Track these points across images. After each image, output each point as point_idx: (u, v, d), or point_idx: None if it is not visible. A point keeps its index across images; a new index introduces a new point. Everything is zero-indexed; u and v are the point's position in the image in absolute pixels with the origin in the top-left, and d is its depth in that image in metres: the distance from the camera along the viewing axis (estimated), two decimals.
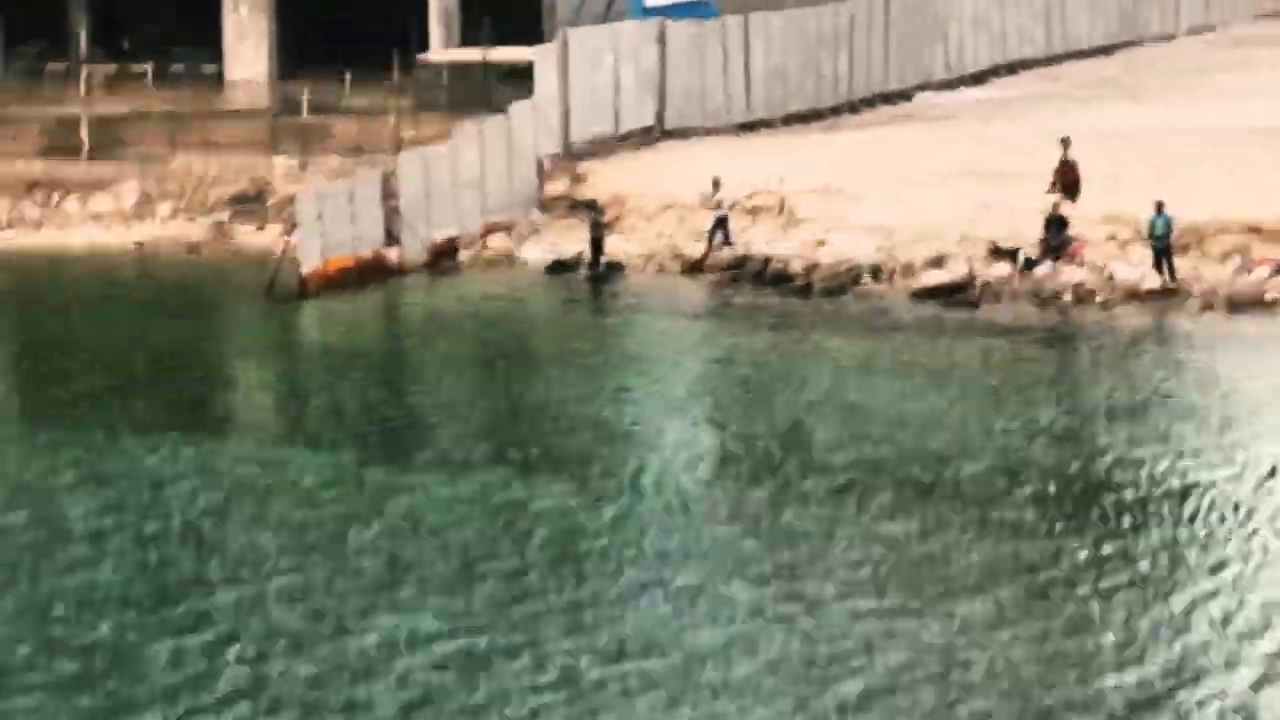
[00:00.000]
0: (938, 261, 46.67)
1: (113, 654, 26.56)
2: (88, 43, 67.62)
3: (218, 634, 27.07)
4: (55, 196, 57.19)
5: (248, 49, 65.62)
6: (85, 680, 25.49)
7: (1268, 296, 46.47)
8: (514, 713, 23.69)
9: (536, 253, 51.11)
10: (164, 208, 56.43)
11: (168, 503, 33.51)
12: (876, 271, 46.85)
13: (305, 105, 59.64)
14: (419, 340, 49.90)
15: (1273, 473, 33.63)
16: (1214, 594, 28.40)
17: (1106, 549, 30.20)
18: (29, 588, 29.67)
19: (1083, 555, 29.60)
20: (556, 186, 53.64)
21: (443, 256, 51.35)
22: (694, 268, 48.16)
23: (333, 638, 27.30)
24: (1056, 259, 45.95)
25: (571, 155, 55.11)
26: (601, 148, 56.29)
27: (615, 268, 48.25)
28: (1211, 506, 32.34)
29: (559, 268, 48.92)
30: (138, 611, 28.09)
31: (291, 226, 50.84)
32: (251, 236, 54.61)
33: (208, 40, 65.88)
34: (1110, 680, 25.00)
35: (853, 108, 63.84)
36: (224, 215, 56.02)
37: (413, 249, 51.49)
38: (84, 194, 57.43)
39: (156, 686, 25.16)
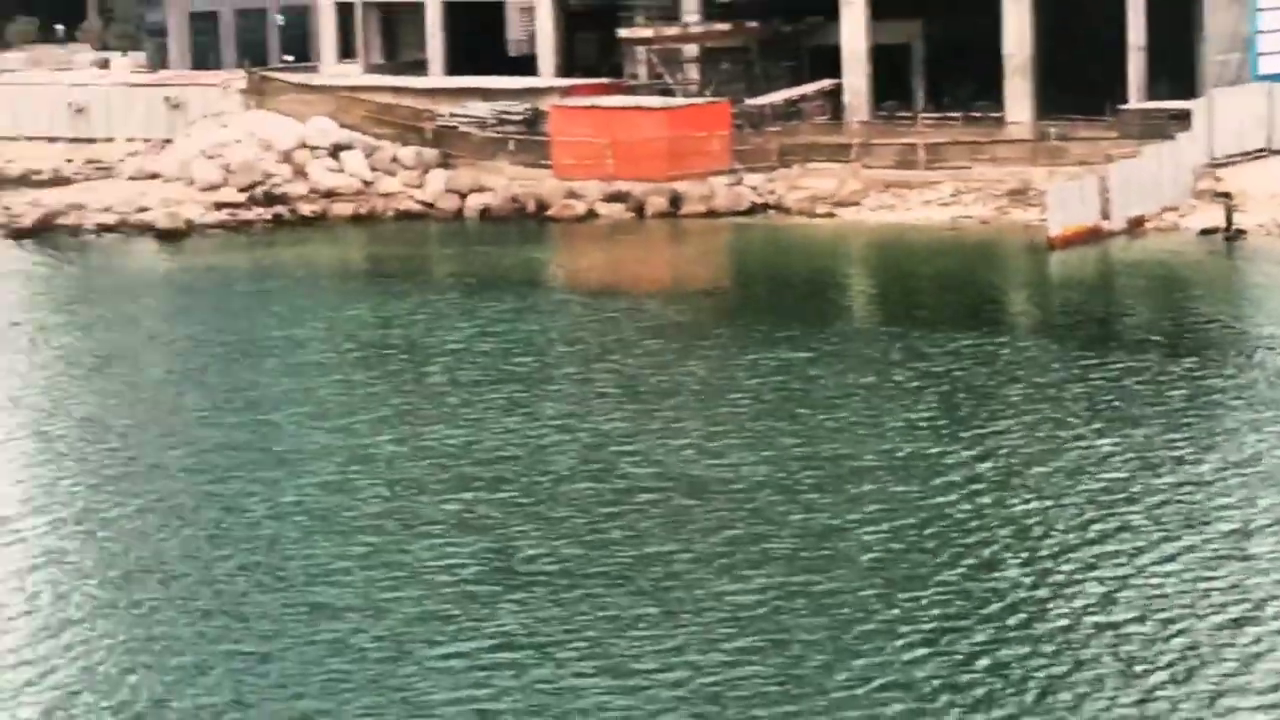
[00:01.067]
0: None
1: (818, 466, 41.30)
2: (924, 99, 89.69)
3: (841, 454, 42.35)
4: (902, 192, 77.77)
5: (1018, 101, 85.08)
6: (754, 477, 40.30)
7: None
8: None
9: (1192, 224, 70.99)
10: (968, 198, 76.52)
11: (931, 387, 48.85)
12: None
13: (1053, 135, 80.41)
14: (1117, 272, 70.05)
15: None
16: None
17: None
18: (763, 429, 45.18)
19: None
20: (1203, 184, 72.78)
21: (1134, 226, 70.81)
22: None
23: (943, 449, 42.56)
24: None
25: (1213, 165, 74.05)
26: (1232, 161, 74.48)
27: (1240, 233, 68.06)
28: None
29: (1206, 233, 68.90)
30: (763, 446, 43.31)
31: (1044, 208, 71.35)
32: (1019, 215, 74.39)
33: (994, 97, 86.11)
34: None
35: None
36: (1003, 203, 75.85)
37: (1117, 221, 70.62)
38: (919, 190, 78.12)
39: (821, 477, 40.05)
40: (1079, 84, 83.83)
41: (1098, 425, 44.29)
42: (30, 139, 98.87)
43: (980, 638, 29.49)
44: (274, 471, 45.19)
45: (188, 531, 39.78)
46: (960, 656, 28.76)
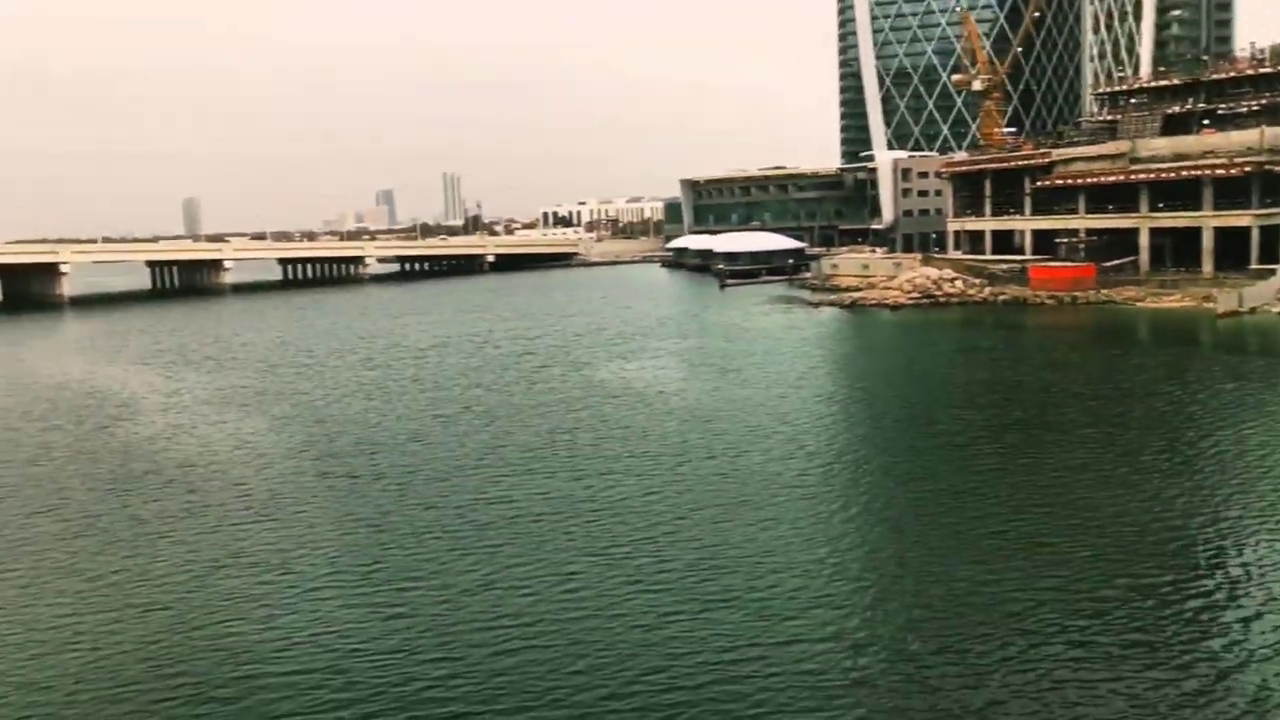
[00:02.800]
0: None
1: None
2: (1170, 263, 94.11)
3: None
4: (1160, 295, 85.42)
5: (1207, 264, 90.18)
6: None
7: None
8: None
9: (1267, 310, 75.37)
10: (1186, 299, 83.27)
11: None
12: None
13: (1221, 278, 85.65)
14: (1246, 328, 70.99)
15: None
16: None
17: None
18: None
19: None
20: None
21: (1252, 311, 74.90)
22: None
23: None
24: None
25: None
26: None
27: None
28: None
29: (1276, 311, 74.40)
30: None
31: (1216, 303, 78.04)
32: (1208, 305, 79.01)
33: (1199, 263, 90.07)
34: None
35: None
36: (1201, 301, 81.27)
37: (1246, 308, 75.79)
38: (1167, 295, 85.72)
39: None
40: (1232, 258, 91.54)
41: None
42: (848, 275, 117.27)
43: None
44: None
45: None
46: None
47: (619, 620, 25.18)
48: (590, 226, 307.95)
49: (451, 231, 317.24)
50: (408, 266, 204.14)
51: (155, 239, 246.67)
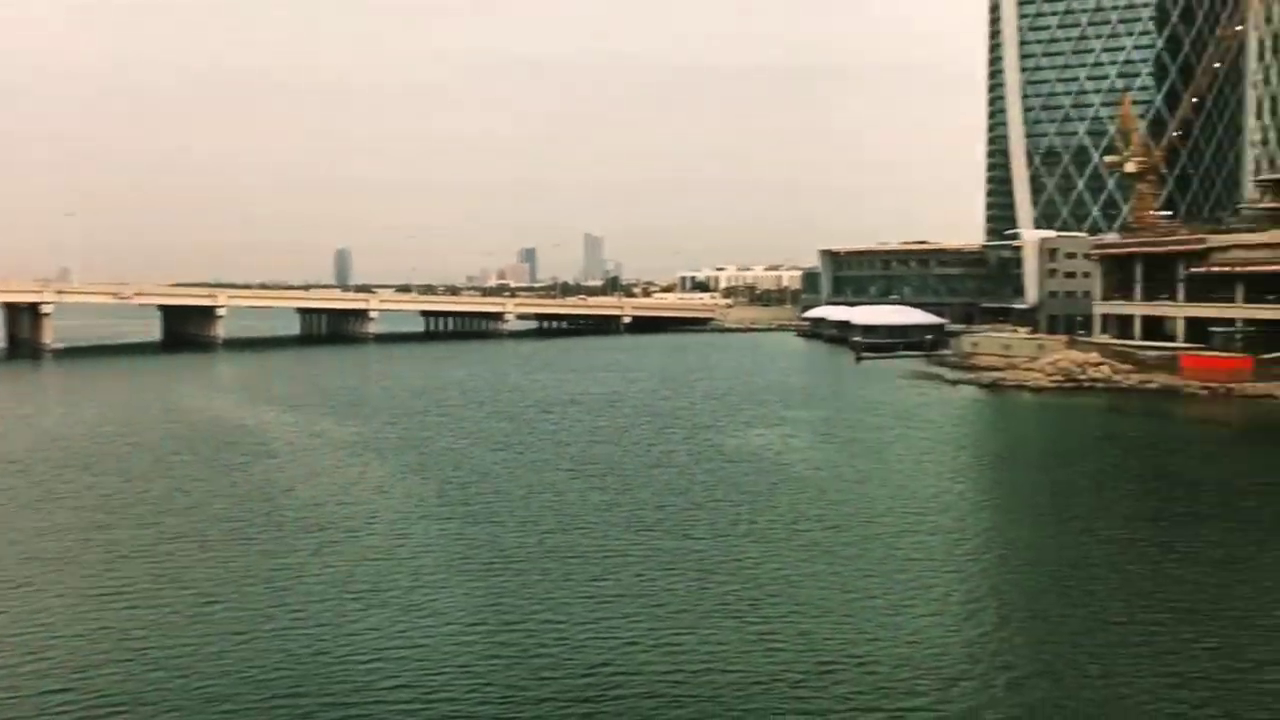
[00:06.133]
0: None
1: None
2: None
3: None
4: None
5: None
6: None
7: None
8: None
9: None
10: None
11: None
12: None
13: None
14: None
15: None
16: None
17: None
18: None
19: None
20: None
21: None
22: None
23: None
24: None
25: None
26: None
27: None
28: None
29: None
30: None
31: None
32: None
33: None
34: None
35: None
36: None
37: None
38: None
39: None
40: None
41: None
42: (988, 354, 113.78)
43: None
44: None
45: None
46: None
47: (722, 681, 25.24)
48: (727, 292, 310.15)
49: (590, 291, 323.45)
50: (545, 324, 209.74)
51: (307, 287, 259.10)
